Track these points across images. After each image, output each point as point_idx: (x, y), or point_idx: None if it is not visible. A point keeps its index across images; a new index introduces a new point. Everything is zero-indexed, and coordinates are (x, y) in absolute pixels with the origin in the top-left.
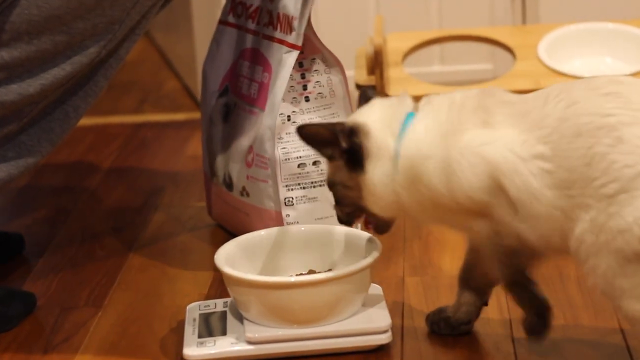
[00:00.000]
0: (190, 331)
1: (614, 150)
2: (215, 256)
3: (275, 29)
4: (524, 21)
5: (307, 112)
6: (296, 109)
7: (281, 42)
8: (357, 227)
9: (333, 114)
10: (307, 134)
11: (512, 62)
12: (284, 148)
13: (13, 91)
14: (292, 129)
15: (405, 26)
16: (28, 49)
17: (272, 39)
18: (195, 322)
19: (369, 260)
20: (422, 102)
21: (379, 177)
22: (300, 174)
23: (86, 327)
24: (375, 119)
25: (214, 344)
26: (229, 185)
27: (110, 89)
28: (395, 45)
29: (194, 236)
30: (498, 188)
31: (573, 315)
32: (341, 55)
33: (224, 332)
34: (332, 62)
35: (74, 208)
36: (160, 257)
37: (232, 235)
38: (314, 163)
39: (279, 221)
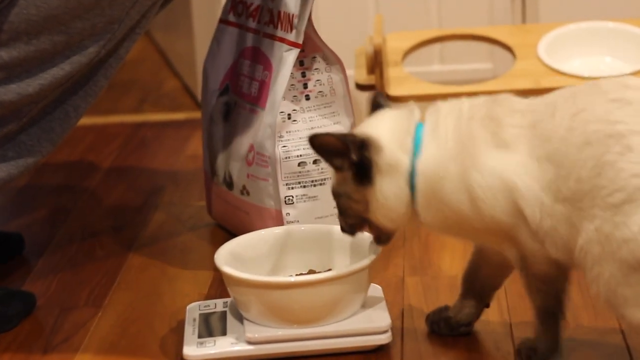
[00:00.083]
0: (190, 331)
1: (622, 159)
2: (215, 256)
3: (276, 27)
4: (523, 20)
5: (308, 111)
6: (297, 108)
7: (282, 40)
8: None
9: (333, 112)
10: (318, 143)
11: (512, 62)
12: (285, 146)
13: (12, 91)
14: (293, 127)
15: (404, 25)
16: (27, 49)
17: (272, 37)
18: (195, 322)
19: (368, 260)
20: (429, 111)
21: (389, 193)
22: (300, 172)
23: (86, 327)
24: (386, 133)
25: (214, 344)
26: (230, 184)
27: (110, 88)
28: (395, 45)
29: (194, 236)
30: (518, 210)
31: (573, 315)
32: (341, 55)
33: (224, 332)
34: (333, 61)
35: (73, 208)
36: (160, 257)
37: (232, 234)
38: (315, 162)
39: (279, 220)
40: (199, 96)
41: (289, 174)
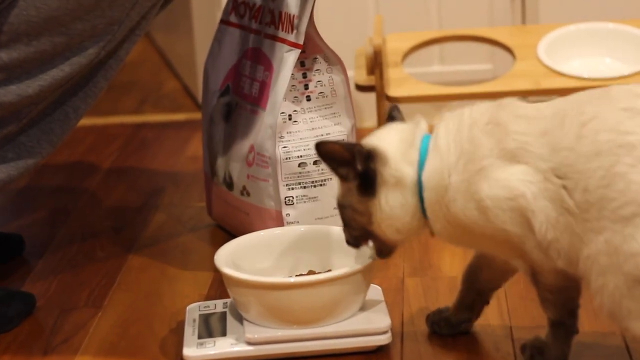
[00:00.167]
0: (190, 332)
1: (633, 171)
2: (215, 257)
3: (277, 28)
4: (523, 21)
5: (309, 112)
6: (297, 108)
7: (282, 40)
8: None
9: (334, 113)
10: (324, 150)
11: (512, 62)
12: (285, 147)
13: (12, 92)
14: (294, 128)
15: (404, 26)
16: (27, 50)
17: (273, 37)
18: (195, 323)
19: (368, 261)
20: (437, 121)
21: (394, 204)
22: (300, 173)
23: (86, 328)
24: (392, 145)
25: (214, 345)
26: (230, 184)
27: (110, 89)
28: (395, 46)
29: (194, 236)
30: (526, 221)
31: None
32: (341, 56)
33: (223, 333)
34: (334, 62)
35: (74, 208)
36: (160, 258)
37: (232, 235)
38: (315, 162)
39: (279, 220)
40: (199, 97)
41: (289, 174)
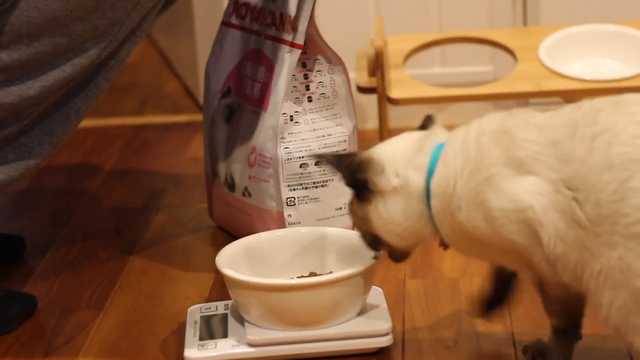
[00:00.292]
0: (191, 333)
1: None
2: (217, 258)
3: (277, 29)
4: (524, 23)
5: (310, 112)
6: (299, 109)
7: (283, 41)
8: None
9: (336, 114)
10: (321, 162)
11: (513, 64)
12: (287, 148)
13: (13, 93)
14: (295, 129)
15: (405, 28)
16: (28, 51)
17: (274, 38)
18: (197, 325)
19: (370, 262)
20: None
21: (392, 211)
22: (302, 174)
23: (87, 329)
24: (395, 153)
25: (215, 347)
26: (231, 185)
27: (112, 90)
28: (396, 47)
29: (195, 238)
30: (534, 233)
31: None
32: (342, 57)
33: (225, 335)
34: (336, 63)
35: (75, 209)
36: (161, 259)
37: (234, 237)
38: (316, 163)
39: (280, 221)
40: (201, 98)
41: (290, 175)
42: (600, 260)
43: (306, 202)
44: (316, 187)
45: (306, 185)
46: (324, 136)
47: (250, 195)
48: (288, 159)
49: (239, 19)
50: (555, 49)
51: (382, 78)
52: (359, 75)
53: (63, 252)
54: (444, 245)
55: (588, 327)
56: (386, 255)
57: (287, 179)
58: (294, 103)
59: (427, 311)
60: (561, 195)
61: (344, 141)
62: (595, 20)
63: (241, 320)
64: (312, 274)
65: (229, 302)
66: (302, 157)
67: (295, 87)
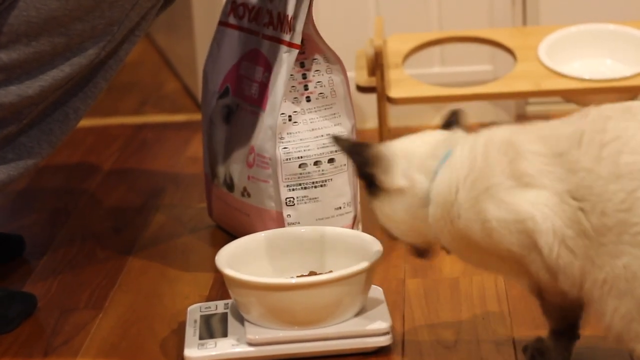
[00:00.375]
0: (191, 333)
1: None
2: (216, 258)
3: (275, 29)
4: (524, 22)
5: (309, 112)
6: (297, 109)
7: (280, 41)
8: (358, 229)
9: (334, 114)
10: (337, 145)
11: (513, 64)
12: (285, 148)
13: (12, 93)
14: (294, 129)
15: (405, 28)
16: (27, 51)
17: (271, 38)
18: (196, 324)
19: (369, 262)
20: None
21: (396, 209)
22: (301, 174)
23: (86, 329)
24: (406, 152)
25: (215, 346)
26: (230, 186)
27: (111, 90)
28: (396, 47)
29: (194, 237)
30: (533, 244)
31: None
32: (342, 57)
33: (224, 334)
34: (334, 62)
35: (74, 209)
36: (160, 259)
37: (233, 236)
38: (315, 163)
39: (280, 221)
40: (200, 98)
41: (289, 175)
42: (605, 269)
43: (305, 202)
44: (315, 187)
45: (305, 186)
46: (322, 136)
47: (249, 195)
48: (287, 159)
49: (237, 19)
50: (555, 49)
51: (382, 77)
52: (358, 74)
53: (62, 251)
54: (446, 249)
55: (588, 327)
56: (386, 255)
57: (286, 179)
58: (293, 103)
59: (427, 311)
60: (567, 205)
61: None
62: (594, 19)
63: (241, 320)
64: (311, 273)
65: (229, 301)
66: (301, 157)
67: (293, 87)
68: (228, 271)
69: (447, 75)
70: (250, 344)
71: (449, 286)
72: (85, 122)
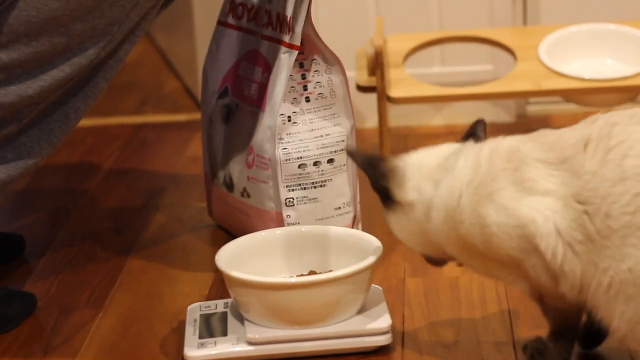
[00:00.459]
0: (191, 332)
1: None
2: (216, 257)
3: (274, 29)
4: (524, 22)
5: (308, 113)
6: (297, 110)
7: (279, 42)
8: (358, 228)
9: (334, 114)
10: (351, 158)
11: (513, 63)
12: (285, 149)
13: (12, 92)
14: (293, 129)
15: (405, 27)
16: (27, 51)
17: (270, 39)
18: (196, 323)
19: (369, 261)
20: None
21: (408, 222)
22: (301, 174)
23: (86, 328)
24: (420, 165)
25: (215, 345)
26: (230, 186)
27: (111, 89)
28: (396, 47)
29: (194, 237)
30: (534, 249)
31: None
32: (342, 56)
33: (224, 333)
34: (333, 62)
35: (74, 209)
36: (160, 258)
37: (233, 236)
38: (315, 164)
39: (279, 222)
40: (200, 98)
41: (289, 176)
42: (609, 273)
43: (305, 203)
44: (315, 187)
45: (305, 186)
46: (322, 136)
47: (249, 196)
48: (286, 160)
49: (236, 19)
50: (555, 48)
51: (382, 77)
52: (358, 74)
53: (62, 251)
54: (458, 261)
55: None
56: (386, 254)
57: (285, 179)
58: (292, 103)
59: (426, 310)
60: (572, 209)
61: (342, 141)
62: (595, 19)
63: (241, 319)
64: (311, 273)
65: (229, 300)
66: (301, 157)
67: (292, 87)
68: (228, 270)
69: (448, 74)
70: (250, 343)
71: (449, 285)
72: (85, 122)
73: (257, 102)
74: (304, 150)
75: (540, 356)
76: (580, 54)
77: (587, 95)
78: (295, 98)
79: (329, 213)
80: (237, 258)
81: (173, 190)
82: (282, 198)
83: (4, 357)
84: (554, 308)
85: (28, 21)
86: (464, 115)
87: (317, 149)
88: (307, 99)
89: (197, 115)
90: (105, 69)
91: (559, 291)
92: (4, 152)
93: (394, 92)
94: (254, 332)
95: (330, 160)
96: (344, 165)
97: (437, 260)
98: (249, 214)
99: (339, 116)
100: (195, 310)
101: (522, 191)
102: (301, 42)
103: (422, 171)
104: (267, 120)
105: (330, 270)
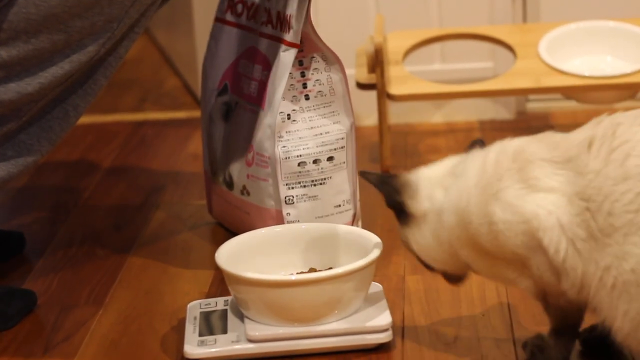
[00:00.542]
0: (191, 329)
1: None
2: (216, 254)
3: (274, 27)
4: (524, 19)
5: (307, 111)
6: (296, 107)
7: (279, 40)
8: (358, 226)
9: (333, 112)
10: (365, 179)
11: (513, 61)
12: (284, 146)
13: (11, 90)
14: (293, 127)
15: (405, 25)
16: (26, 48)
17: (270, 37)
18: (196, 321)
19: (369, 258)
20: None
21: (426, 235)
22: (300, 172)
23: (87, 325)
24: (430, 176)
25: (215, 342)
26: (230, 184)
27: (111, 87)
28: (396, 44)
29: (194, 234)
30: (538, 245)
31: None
32: (342, 54)
33: (224, 331)
34: (332, 60)
35: (74, 207)
36: (160, 256)
37: (233, 233)
38: (315, 161)
39: (279, 220)
40: (200, 95)
41: (289, 174)
42: (612, 273)
43: (305, 201)
44: (314, 185)
45: (304, 184)
46: (321, 134)
47: (248, 193)
48: (286, 158)
49: (235, 16)
50: (555, 46)
51: (382, 74)
52: (358, 71)
53: (62, 249)
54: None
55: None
56: (387, 252)
57: (285, 177)
58: (291, 101)
59: (426, 307)
60: (575, 206)
61: (342, 139)
62: (594, 16)
63: (241, 316)
64: (311, 270)
65: (229, 298)
66: (300, 155)
67: (292, 85)
68: (228, 268)
69: (448, 72)
70: (250, 341)
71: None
72: (85, 119)
73: (257, 100)
74: (303, 148)
75: (540, 353)
76: (580, 52)
77: (587, 92)
78: (294, 96)
79: (328, 211)
80: (237, 256)
81: (173, 187)
82: (282, 196)
83: (4, 354)
84: (556, 306)
85: (27, 18)
86: (463, 112)
87: (317, 146)
88: (307, 97)
89: (197, 113)
90: (105, 66)
91: (561, 289)
92: (4, 149)
93: (394, 89)
94: (254, 329)
95: (330, 158)
96: (344, 163)
97: (455, 277)
98: (248, 211)
99: (339, 114)
100: (195, 308)
101: (527, 189)
102: (301, 40)
103: (432, 181)
104: (267, 118)
105: (331, 268)
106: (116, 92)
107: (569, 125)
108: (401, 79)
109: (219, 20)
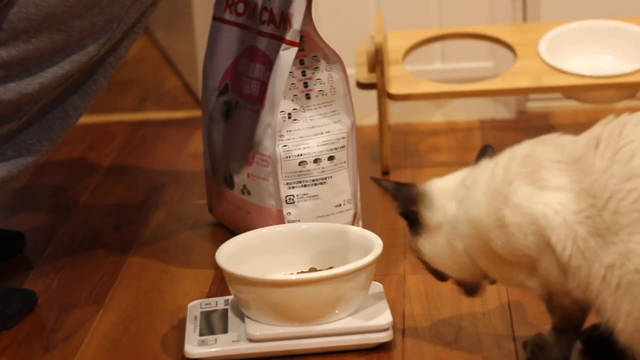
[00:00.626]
0: (191, 329)
1: None
2: (217, 254)
3: (276, 26)
4: (524, 19)
5: (308, 110)
6: (297, 107)
7: (280, 39)
8: (358, 226)
9: (334, 111)
10: (379, 187)
11: (513, 60)
12: (285, 146)
13: (12, 90)
14: (293, 126)
15: (405, 24)
16: (26, 48)
17: (270, 36)
18: (197, 320)
19: (370, 258)
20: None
21: (440, 244)
22: (301, 171)
23: (87, 325)
24: (443, 188)
25: (215, 342)
26: (230, 183)
27: (111, 87)
28: (396, 43)
29: (195, 234)
30: (547, 245)
31: None
32: (342, 54)
33: (225, 330)
34: (333, 60)
35: (74, 206)
36: (161, 255)
37: (233, 233)
38: (315, 161)
39: (280, 219)
40: (200, 95)
41: (289, 173)
42: (616, 273)
43: (305, 200)
44: (315, 184)
45: (305, 183)
46: (322, 133)
47: (249, 193)
48: (287, 157)
49: (234, 15)
50: (555, 45)
51: (382, 74)
52: (358, 71)
53: (63, 248)
54: (491, 280)
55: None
56: (387, 251)
57: (286, 176)
58: (292, 101)
59: (427, 306)
60: (582, 204)
61: (343, 138)
62: (595, 16)
63: (241, 316)
64: (312, 270)
65: (229, 297)
66: (301, 154)
67: (293, 84)
68: (228, 267)
69: (448, 71)
70: (251, 340)
71: (449, 282)
72: (85, 119)
73: (257, 99)
74: (304, 148)
75: (540, 352)
76: (580, 51)
77: (587, 91)
78: (295, 95)
79: (329, 210)
80: (237, 255)
81: (173, 187)
82: (283, 195)
83: (4, 354)
84: (561, 306)
85: (28, 18)
86: (464, 112)
87: (318, 146)
88: (308, 96)
89: (197, 113)
90: (105, 66)
91: (567, 289)
92: (4, 149)
93: (394, 89)
94: (255, 329)
95: (331, 158)
96: (345, 162)
97: (470, 287)
98: (249, 211)
99: (339, 113)
100: (195, 308)
101: (535, 190)
102: (301, 39)
103: (446, 193)
104: (268, 117)
105: (331, 268)
106: (116, 92)
107: (569, 124)
108: (401, 79)
109: (217, 19)
